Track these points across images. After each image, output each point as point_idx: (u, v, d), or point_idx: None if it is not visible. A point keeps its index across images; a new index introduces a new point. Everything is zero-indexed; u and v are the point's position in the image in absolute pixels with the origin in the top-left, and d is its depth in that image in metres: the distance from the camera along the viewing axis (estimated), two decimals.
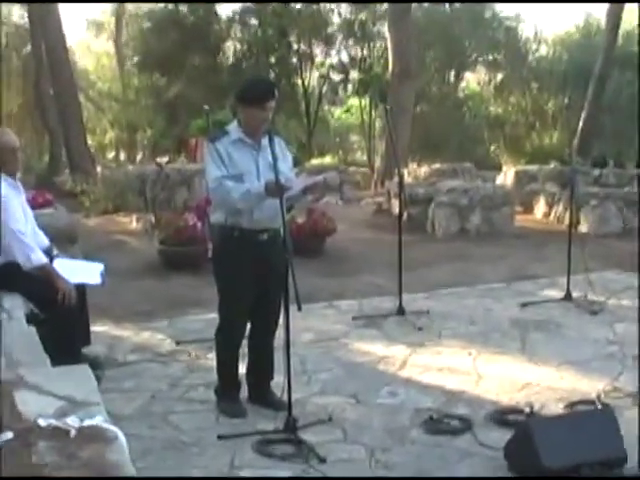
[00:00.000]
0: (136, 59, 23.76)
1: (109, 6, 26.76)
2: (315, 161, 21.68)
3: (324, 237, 8.84)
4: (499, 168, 16.91)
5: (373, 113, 25.62)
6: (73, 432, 2.19)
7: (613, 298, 6.63)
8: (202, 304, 6.30)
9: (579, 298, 6.52)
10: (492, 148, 25.37)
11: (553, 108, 24.08)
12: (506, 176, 14.04)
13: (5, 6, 20.38)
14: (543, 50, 25.46)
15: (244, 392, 4.36)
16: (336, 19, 24.27)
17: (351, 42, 24.65)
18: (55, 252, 4.80)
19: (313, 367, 4.96)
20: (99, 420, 2.28)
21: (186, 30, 21.89)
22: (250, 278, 4.05)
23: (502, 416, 4.13)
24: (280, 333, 4.08)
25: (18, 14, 22.39)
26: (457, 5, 23.62)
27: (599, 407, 4.00)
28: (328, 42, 24.45)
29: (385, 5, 19.38)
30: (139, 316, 6.26)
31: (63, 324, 4.19)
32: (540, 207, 11.65)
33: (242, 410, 4.22)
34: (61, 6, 16.83)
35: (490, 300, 6.69)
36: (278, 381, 4.09)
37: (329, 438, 3.94)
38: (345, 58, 25.32)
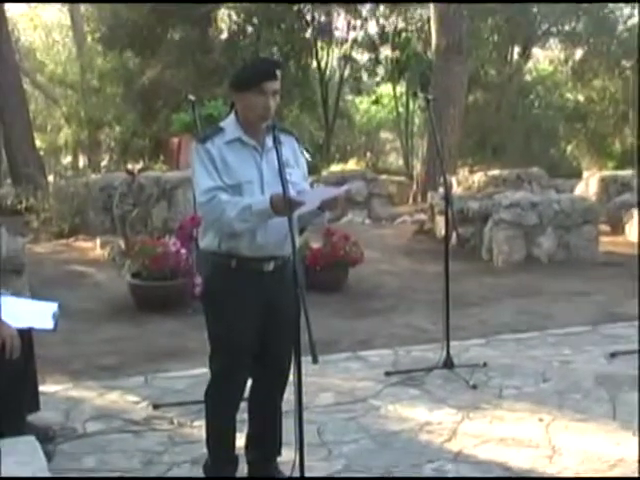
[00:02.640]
0: (100, 33, 23.91)
1: None
2: (335, 167, 21.79)
3: (347, 267, 8.88)
4: (579, 174, 16.93)
5: (411, 104, 25.73)
6: None
7: None
8: (187, 356, 6.33)
9: None
10: (569, 148, 25.39)
11: None
12: (588, 185, 14.05)
13: None
14: None
15: (242, 470, 4.37)
16: None
17: (382, 10, 24.73)
18: None
19: (334, 438, 4.98)
20: None
21: None
22: (251, 321, 4.07)
23: None
24: (290, 393, 4.11)
25: None
26: None
27: None
28: (352, 11, 24.54)
29: None
30: (104, 372, 6.29)
31: (3, 383, 4.23)
32: (634, 225, 11.64)
33: None
34: None
35: (568, 349, 6.68)
36: (288, 456, 4.11)
37: None
38: (374, 31, 25.44)
